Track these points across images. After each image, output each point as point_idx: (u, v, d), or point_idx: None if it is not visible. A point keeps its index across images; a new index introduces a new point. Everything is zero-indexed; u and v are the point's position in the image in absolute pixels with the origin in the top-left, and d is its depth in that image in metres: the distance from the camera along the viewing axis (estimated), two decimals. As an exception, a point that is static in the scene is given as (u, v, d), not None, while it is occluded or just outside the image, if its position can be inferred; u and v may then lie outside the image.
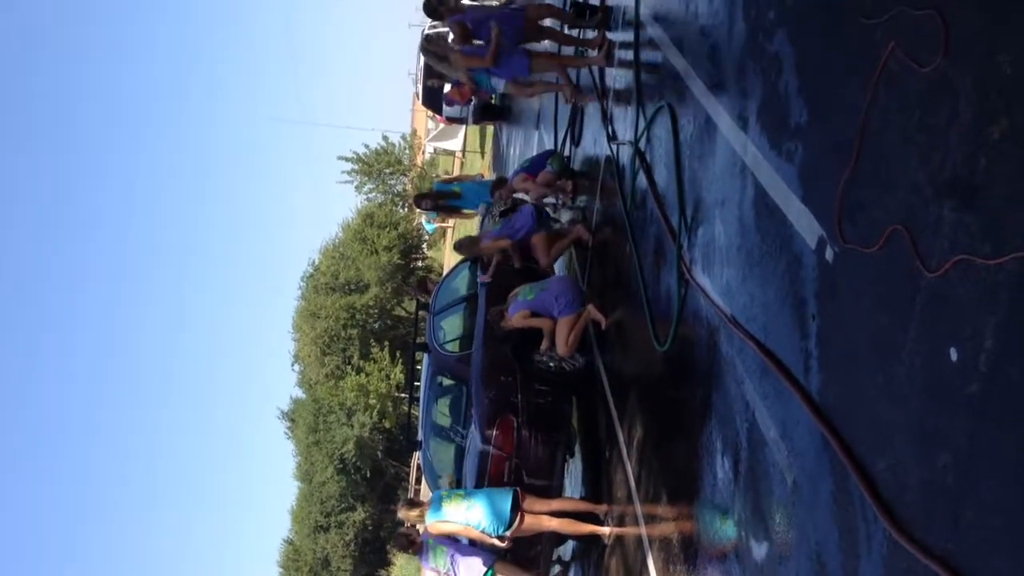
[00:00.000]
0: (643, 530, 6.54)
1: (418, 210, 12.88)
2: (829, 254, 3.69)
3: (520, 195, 10.91)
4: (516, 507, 7.42)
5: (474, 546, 7.73)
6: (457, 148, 40.75)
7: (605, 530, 7.57)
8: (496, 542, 7.42)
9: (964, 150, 2.83)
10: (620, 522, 7.34)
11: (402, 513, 7.76)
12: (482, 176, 16.26)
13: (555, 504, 7.82)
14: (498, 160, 26.14)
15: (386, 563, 47.75)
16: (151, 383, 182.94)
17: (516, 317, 8.39)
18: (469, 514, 7.40)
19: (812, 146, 3.99)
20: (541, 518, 7.54)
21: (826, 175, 3.75)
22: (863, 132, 3.46)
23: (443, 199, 11.87)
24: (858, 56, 3.54)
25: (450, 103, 20.88)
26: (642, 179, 7.05)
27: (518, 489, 7.62)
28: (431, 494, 8.00)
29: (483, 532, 7.42)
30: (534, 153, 12.04)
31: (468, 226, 33.47)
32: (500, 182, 10.52)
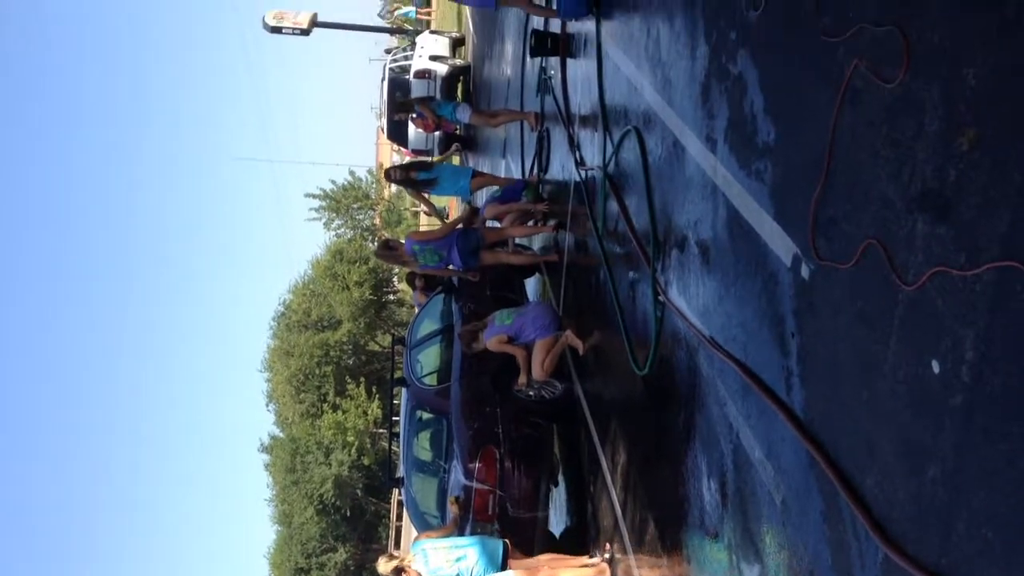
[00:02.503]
0: (631, 559, 6.50)
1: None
2: (805, 271, 3.70)
3: (492, 223, 10.89)
4: (505, 558, 7.31)
5: None
6: (423, 205, 40.77)
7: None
8: None
9: (933, 163, 2.85)
10: (610, 557, 7.29)
11: (382, 568, 7.53)
12: (449, 211, 16.05)
13: (543, 560, 7.61)
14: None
15: (370, 604, 47.17)
16: (118, 428, 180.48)
17: (492, 341, 8.35)
18: (460, 564, 7.24)
19: (781, 164, 4.00)
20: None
21: (797, 192, 3.77)
22: (831, 149, 3.48)
23: (415, 171, 10.77)
24: (823, 74, 3.56)
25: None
26: (613, 203, 7.06)
27: (507, 542, 7.50)
28: (412, 544, 7.75)
29: None
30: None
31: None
32: (472, 213, 10.47)
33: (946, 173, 2.79)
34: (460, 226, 9.88)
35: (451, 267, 9.86)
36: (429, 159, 11.36)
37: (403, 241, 9.97)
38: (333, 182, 52.31)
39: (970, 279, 2.66)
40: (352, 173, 52.63)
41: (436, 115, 12.95)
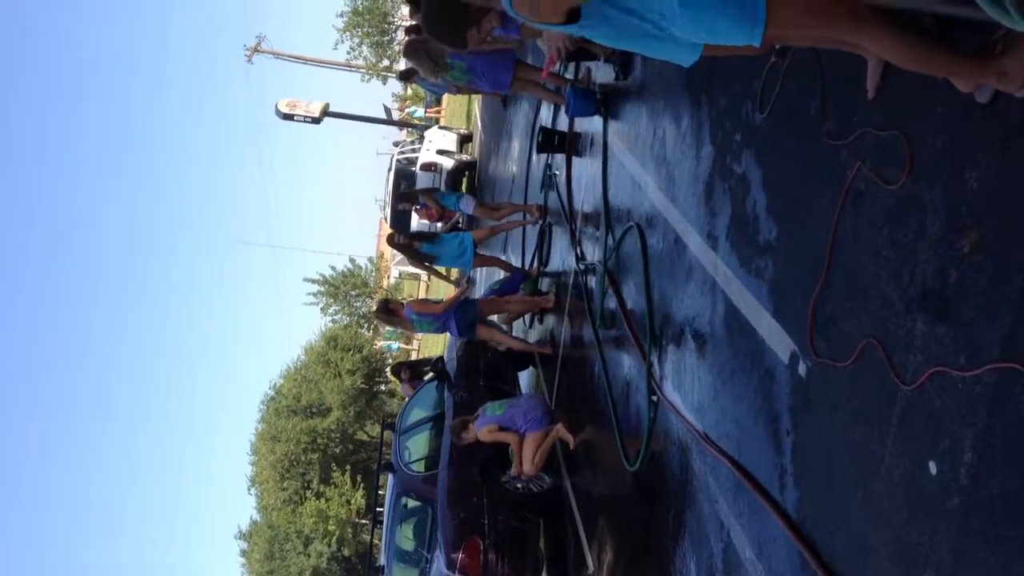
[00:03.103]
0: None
1: (384, 322, 11.23)
2: (802, 369, 3.70)
3: (492, 317, 10.89)
4: None
5: None
6: (423, 272, 41.01)
7: None
8: None
9: (935, 263, 2.88)
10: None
11: None
12: (453, 276, 15.89)
13: None
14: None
15: None
16: (103, 506, 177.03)
17: (483, 431, 8.27)
18: None
19: (782, 263, 4.04)
20: None
21: (797, 291, 3.79)
22: (832, 248, 3.51)
23: (419, 241, 10.66)
24: (826, 175, 3.63)
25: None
26: (611, 298, 7.09)
27: None
28: None
29: None
30: (502, 275, 12.10)
31: (437, 345, 33.36)
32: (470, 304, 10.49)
33: (947, 274, 2.81)
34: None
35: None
36: (434, 235, 11.17)
37: (403, 305, 10.00)
38: (333, 268, 52.62)
39: (970, 380, 2.66)
40: (352, 260, 52.99)
41: (440, 205, 13.09)
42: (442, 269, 11.51)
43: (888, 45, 2.63)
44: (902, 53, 2.66)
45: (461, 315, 9.55)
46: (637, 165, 6.74)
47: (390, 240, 11.31)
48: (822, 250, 3.57)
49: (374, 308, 11.20)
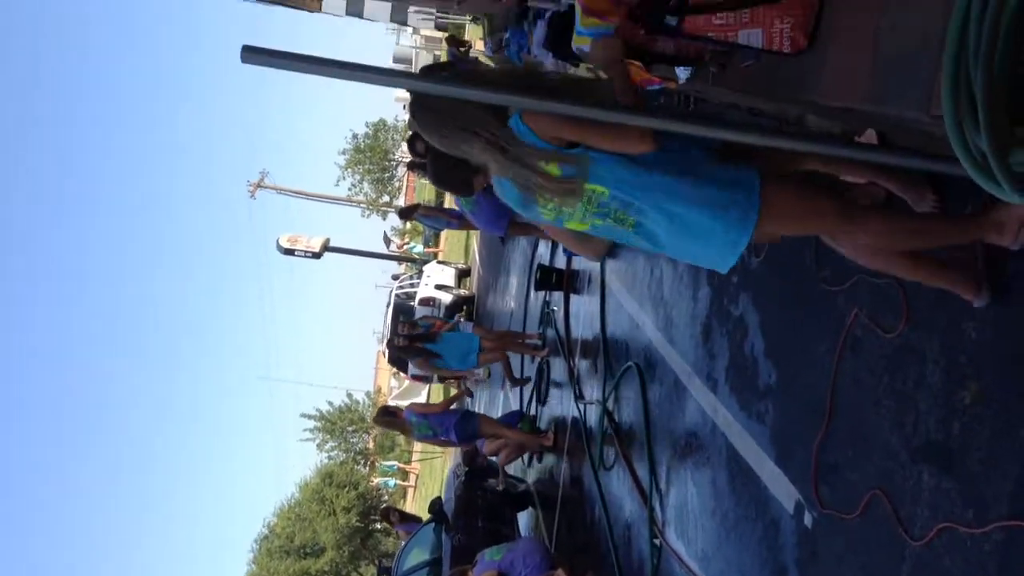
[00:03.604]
0: None
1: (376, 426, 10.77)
2: (808, 519, 3.61)
3: (492, 458, 10.74)
4: None
5: None
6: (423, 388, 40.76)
7: None
8: None
9: (936, 414, 2.84)
10: None
11: None
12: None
13: None
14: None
15: None
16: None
17: (483, 577, 8.01)
18: None
19: (782, 408, 4.00)
20: None
21: (799, 437, 3.74)
22: (833, 394, 3.48)
23: (421, 341, 10.31)
24: (823, 320, 3.63)
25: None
26: (611, 439, 7.00)
27: None
28: None
29: None
30: (499, 412, 12.01)
31: (434, 481, 32.77)
32: (472, 454, 10.40)
33: (950, 425, 2.77)
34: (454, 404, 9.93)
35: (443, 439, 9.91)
36: (436, 331, 10.85)
37: (403, 409, 9.90)
38: (330, 403, 52.24)
39: (978, 537, 2.59)
40: (350, 395, 52.65)
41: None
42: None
43: (880, 232, 2.66)
44: (895, 239, 2.69)
45: (461, 427, 9.55)
46: (635, 304, 6.77)
47: (390, 345, 11.05)
48: (822, 396, 3.54)
49: (375, 415, 10.83)
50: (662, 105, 4.03)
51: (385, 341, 26.74)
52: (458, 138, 2.60)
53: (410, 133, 8.53)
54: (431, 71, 8.54)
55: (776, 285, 4.25)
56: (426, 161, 3.81)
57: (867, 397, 3.26)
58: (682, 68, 3.49)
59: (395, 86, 2.72)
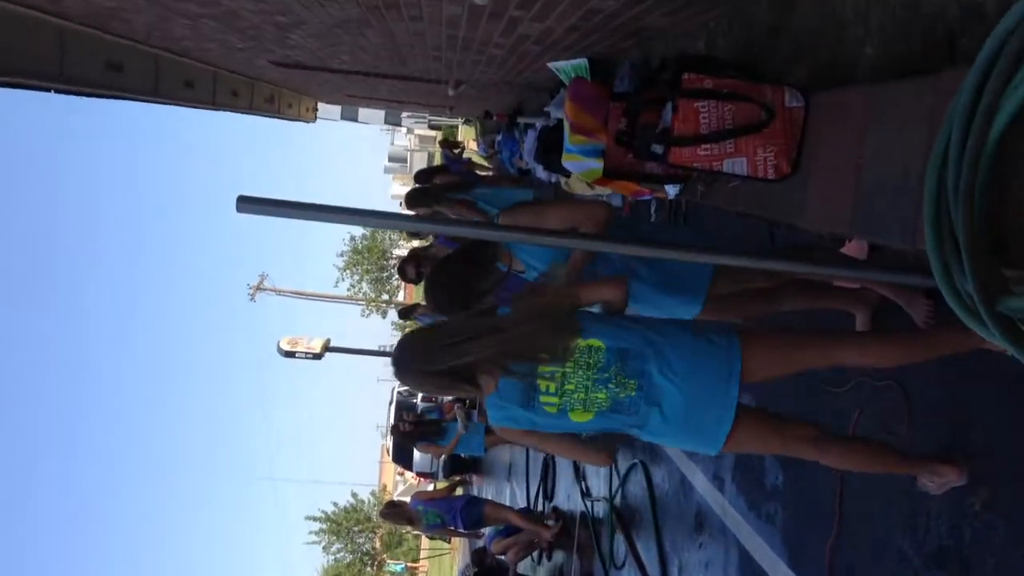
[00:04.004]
0: None
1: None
2: (826, 627, 3.53)
3: (500, 556, 10.58)
4: None
5: None
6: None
7: None
8: None
9: (947, 520, 2.82)
10: None
11: None
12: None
13: None
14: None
15: None
16: None
17: None
18: None
19: (792, 508, 3.95)
20: None
21: (810, 539, 3.69)
22: (842, 495, 3.45)
23: (427, 429, 10.17)
24: (827, 420, 3.61)
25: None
26: (620, 537, 6.90)
27: None
28: None
29: None
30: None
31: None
32: (481, 553, 10.27)
33: (961, 531, 2.74)
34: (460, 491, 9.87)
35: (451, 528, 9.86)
36: (441, 423, 10.69)
37: (408, 500, 9.85)
38: (335, 504, 51.52)
39: (999, 645, 2.54)
40: (355, 495, 51.93)
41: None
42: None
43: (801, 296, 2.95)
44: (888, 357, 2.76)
45: (466, 512, 9.57)
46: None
47: (394, 430, 10.76)
48: (831, 498, 3.51)
49: (381, 509, 10.56)
50: (655, 224, 4.11)
51: (389, 428, 26.51)
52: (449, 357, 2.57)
53: (403, 254, 8.52)
54: (426, 176, 8.62)
55: (777, 385, 4.24)
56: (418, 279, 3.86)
57: (877, 500, 3.23)
58: (671, 185, 3.57)
59: (386, 227, 2.78)
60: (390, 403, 25.72)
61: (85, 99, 8.06)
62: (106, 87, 8.03)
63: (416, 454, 22.81)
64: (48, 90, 7.16)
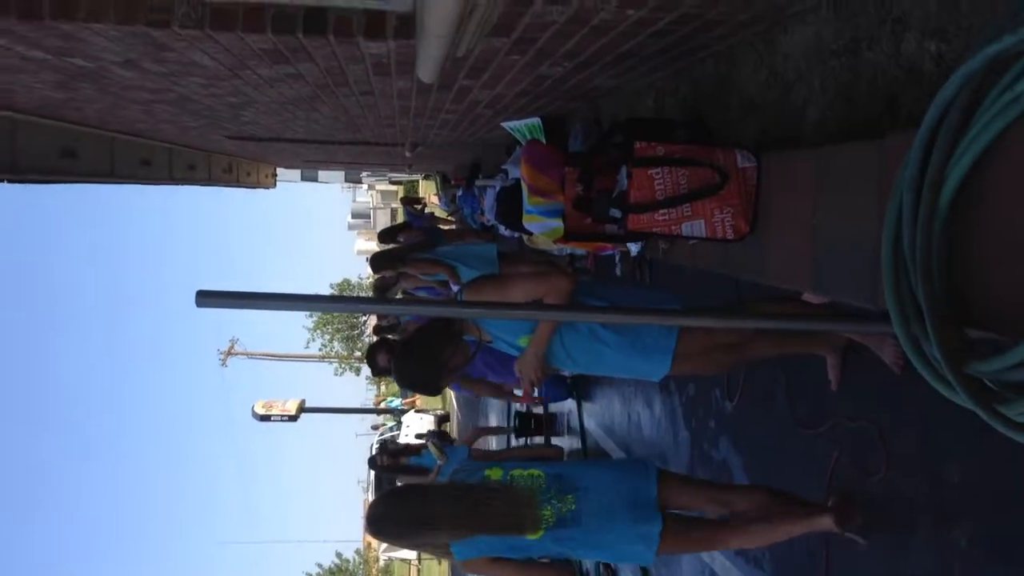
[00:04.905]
0: None
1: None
2: (823, 672, 3.51)
3: None
4: None
5: None
6: (412, 555, 39.71)
7: None
8: None
9: (934, 559, 2.82)
10: None
11: None
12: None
13: None
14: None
15: None
16: None
17: None
18: None
19: (779, 552, 3.94)
20: None
21: (800, 584, 3.68)
22: (828, 537, 3.45)
23: (405, 456, 9.63)
24: (806, 463, 3.63)
25: None
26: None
27: None
28: None
29: None
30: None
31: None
32: None
33: (951, 570, 2.75)
34: None
35: None
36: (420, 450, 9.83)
37: None
38: (320, 566, 50.72)
39: None
40: (339, 555, 51.20)
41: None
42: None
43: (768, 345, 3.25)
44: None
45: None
46: (615, 447, 6.73)
47: (372, 464, 10.11)
48: (818, 546, 3.50)
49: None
50: (620, 286, 4.16)
51: (367, 460, 26.13)
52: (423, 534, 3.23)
53: (372, 341, 8.05)
54: (390, 235, 8.51)
55: (755, 427, 4.26)
56: (391, 368, 3.85)
57: (861, 544, 3.23)
58: (633, 243, 3.60)
59: (347, 311, 2.77)
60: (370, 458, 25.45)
61: (40, 187, 8.02)
62: (61, 172, 8.00)
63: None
64: (0, 180, 7.12)
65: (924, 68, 1.96)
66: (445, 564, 31.94)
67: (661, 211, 2.51)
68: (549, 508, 3.10)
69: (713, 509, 3.45)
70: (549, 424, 9.49)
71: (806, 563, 3.61)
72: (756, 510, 3.34)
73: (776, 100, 2.71)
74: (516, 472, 3.29)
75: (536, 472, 3.23)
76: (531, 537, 3.06)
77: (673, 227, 2.52)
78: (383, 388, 39.48)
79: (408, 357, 3.23)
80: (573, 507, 3.11)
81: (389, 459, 9.88)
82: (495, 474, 3.30)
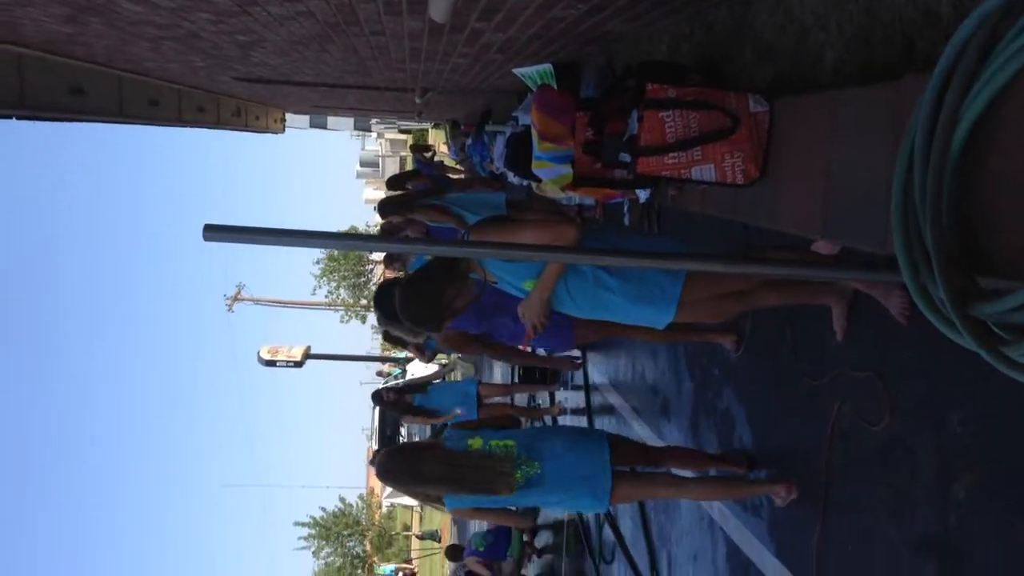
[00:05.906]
0: None
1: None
2: (816, 615, 3.56)
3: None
4: None
5: None
6: (414, 502, 40.18)
7: None
8: None
9: (933, 507, 2.84)
10: None
11: None
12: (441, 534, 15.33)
13: None
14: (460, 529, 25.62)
15: None
16: None
17: None
18: None
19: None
20: None
21: (796, 528, 3.72)
22: (827, 486, 3.48)
23: (410, 393, 9.01)
24: (809, 412, 3.65)
25: None
26: (609, 533, 6.93)
27: None
28: None
29: None
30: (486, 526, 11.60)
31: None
32: (455, 551, 10.21)
33: (947, 518, 2.78)
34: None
35: None
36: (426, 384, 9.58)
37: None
38: (323, 509, 51.35)
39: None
40: (343, 499, 51.79)
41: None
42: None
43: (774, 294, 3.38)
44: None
45: None
46: (620, 398, 6.77)
47: (377, 399, 9.69)
48: (817, 487, 3.54)
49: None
50: (627, 233, 4.17)
51: (371, 395, 26.29)
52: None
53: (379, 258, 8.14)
54: (399, 181, 8.57)
55: (758, 378, 4.28)
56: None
57: (862, 489, 3.26)
58: (642, 190, 3.58)
59: (354, 249, 2.77)
60: (374, 407, 25.65)
61: (49, 124, 7.99)
62: (70, 111, 7.96)
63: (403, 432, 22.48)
64: (9, 117, 7.09)
65: (941, 11, 1.94)
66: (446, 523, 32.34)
67: (671, 154, 2.50)
68: (520, 472, 3.89)
69: (648, 466, 4.45)
70: (554, 375, 9.53)
71: (803, 515, 3.65)
72: (692, 470, 4.47)
73: (793, 44, 2.68)
74: (494, 442, 4.00)
75: (510, 443, 3.99)
76: (505, 495, 3.91)
77: (683, 171, 2.51)
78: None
79: (412, 291, 3.22)
80: (539, 471, 3.91)
81: (395, 394, 9.77)
82: (476, 443, 4.00)
